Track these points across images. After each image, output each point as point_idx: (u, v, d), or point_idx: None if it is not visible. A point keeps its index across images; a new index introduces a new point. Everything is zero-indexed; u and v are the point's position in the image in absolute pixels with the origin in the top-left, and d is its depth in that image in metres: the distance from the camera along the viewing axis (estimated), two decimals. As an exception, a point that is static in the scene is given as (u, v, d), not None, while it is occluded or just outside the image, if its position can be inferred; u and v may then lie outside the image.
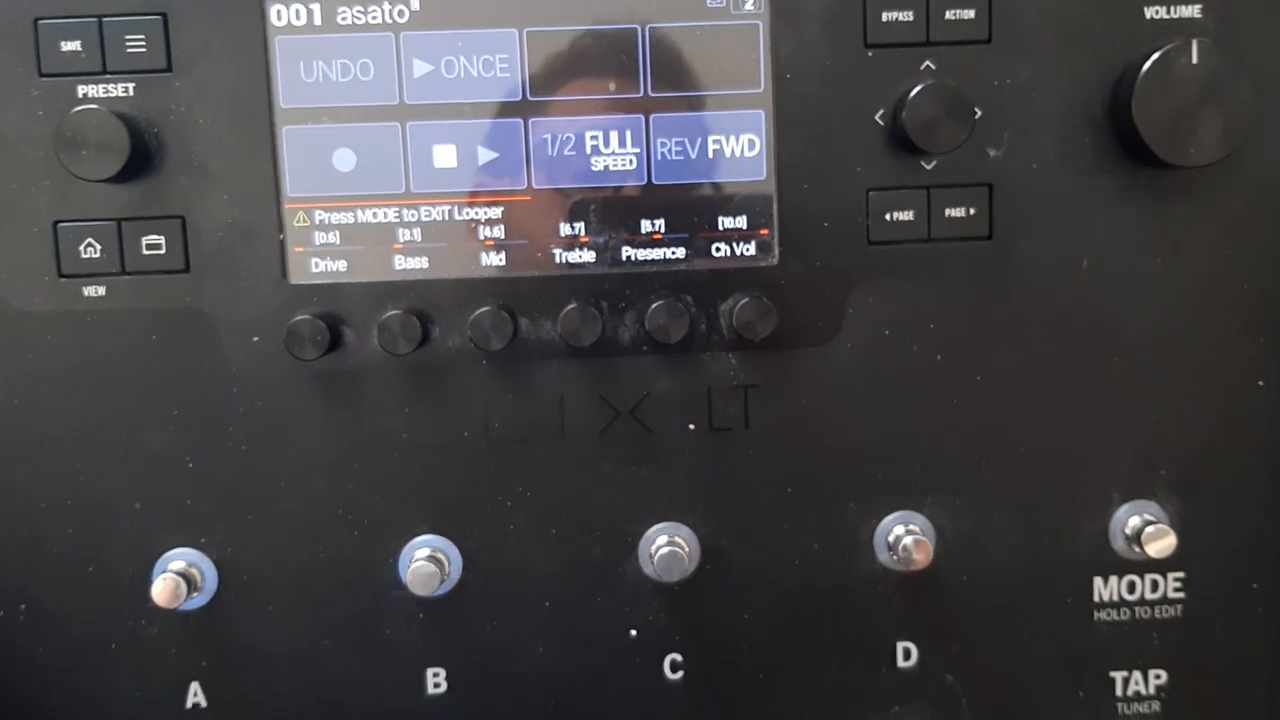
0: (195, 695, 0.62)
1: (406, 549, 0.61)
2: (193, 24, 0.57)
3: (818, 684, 0.63)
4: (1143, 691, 0.64)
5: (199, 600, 0.61)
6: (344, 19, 0.58)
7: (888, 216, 0.59)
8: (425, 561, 0.60)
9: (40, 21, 0.57)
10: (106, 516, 0.60)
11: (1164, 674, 0.63)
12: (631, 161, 0.59)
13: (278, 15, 0.58)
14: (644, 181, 0.59)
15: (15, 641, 0.61)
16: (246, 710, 0.62)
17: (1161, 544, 0.60)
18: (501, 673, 0.62)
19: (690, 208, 0.59)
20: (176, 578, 0.59)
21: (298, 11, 0.58)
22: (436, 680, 0.62)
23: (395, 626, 0.62)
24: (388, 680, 0.62)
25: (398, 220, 0.59)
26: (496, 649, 0.62)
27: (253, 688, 0.62)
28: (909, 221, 0.60)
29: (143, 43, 0.57)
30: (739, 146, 0.59)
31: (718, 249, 0.60)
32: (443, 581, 0.60)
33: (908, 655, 0.63)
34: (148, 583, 0.60)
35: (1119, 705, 0.64)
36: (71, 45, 0.57)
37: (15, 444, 0.60)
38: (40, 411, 0.60)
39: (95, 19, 0.57)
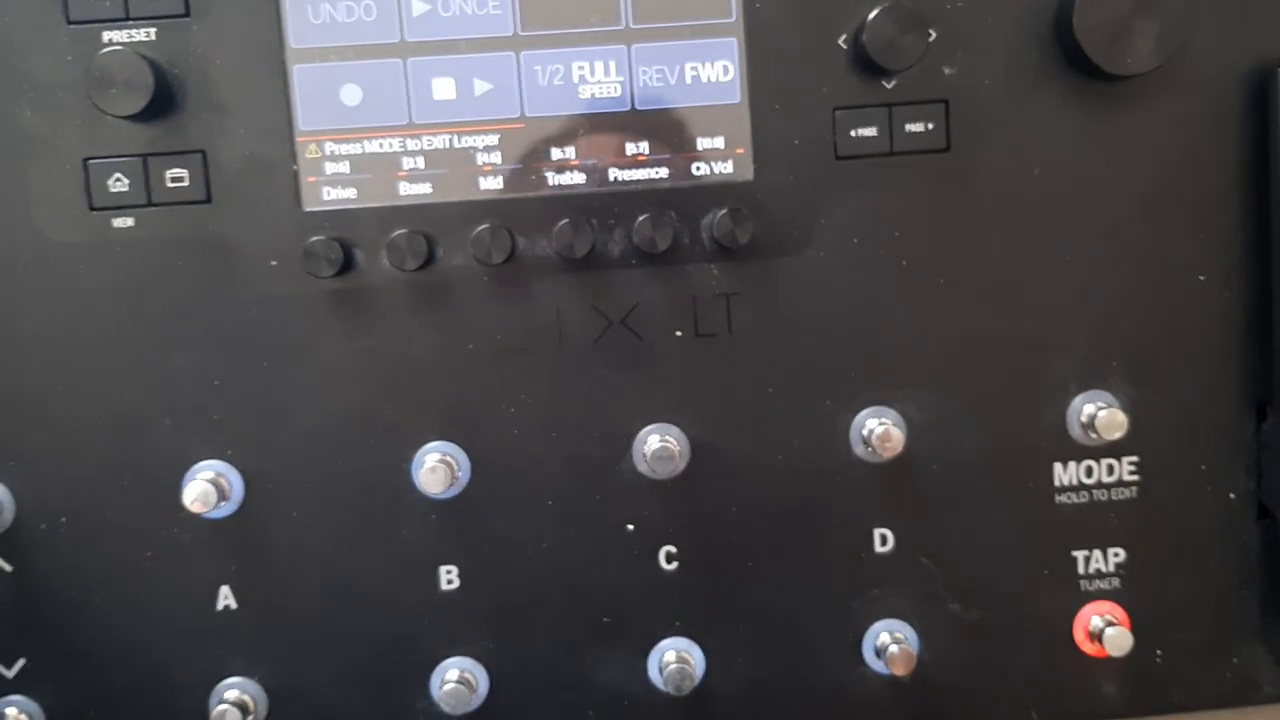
0: (226, 598, 0.66)
1: (418, 454, 0.65)
2: None
3: (802, 571, 0.68)
4: (1103, 569, 0.68)
5: (227, 508, 0.65)
6: (347, -36, 0.63)
7: (853, 133, 0.64)
8: (436, 465, 0.65)
9: None
10: (139, 432, 0.65)
11: (1122, 552, 0.68)
12: (616, 89, 0.64)
13: (286, -38, 0.63)
14: (628, 107, 0.64)
15: (58, 552, 0.65)
16: (273, 610, 0.67)
17: (1115, 427, 0.65)
18: (509, 568, 0.67)
19: (671, 130, 0.64)
20: (208, 483, 0.64)
21: (304, -42, 0.63)
22: (449, 577, 0.67)
23: (410, 528, 0.66)
24: (404, 578, 0.67)
25: (402, 149, 0.64)
26: (504, 546, 0.67)
27: (279, 589, 0.66)
28: (873, 137, 0.64)
29: None
30: (714, 72, 0.64)
31: (697, 168, 0.65)
32: (452, 484, 0.65)
33: (884, 541, 0.68)
34: (180, 493, 0.64)
35: (1081, 582, 0.68)
36: None
37: (53, 366, 0.64)
38: (75, 336, 0.64)
39: None
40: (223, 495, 0.64)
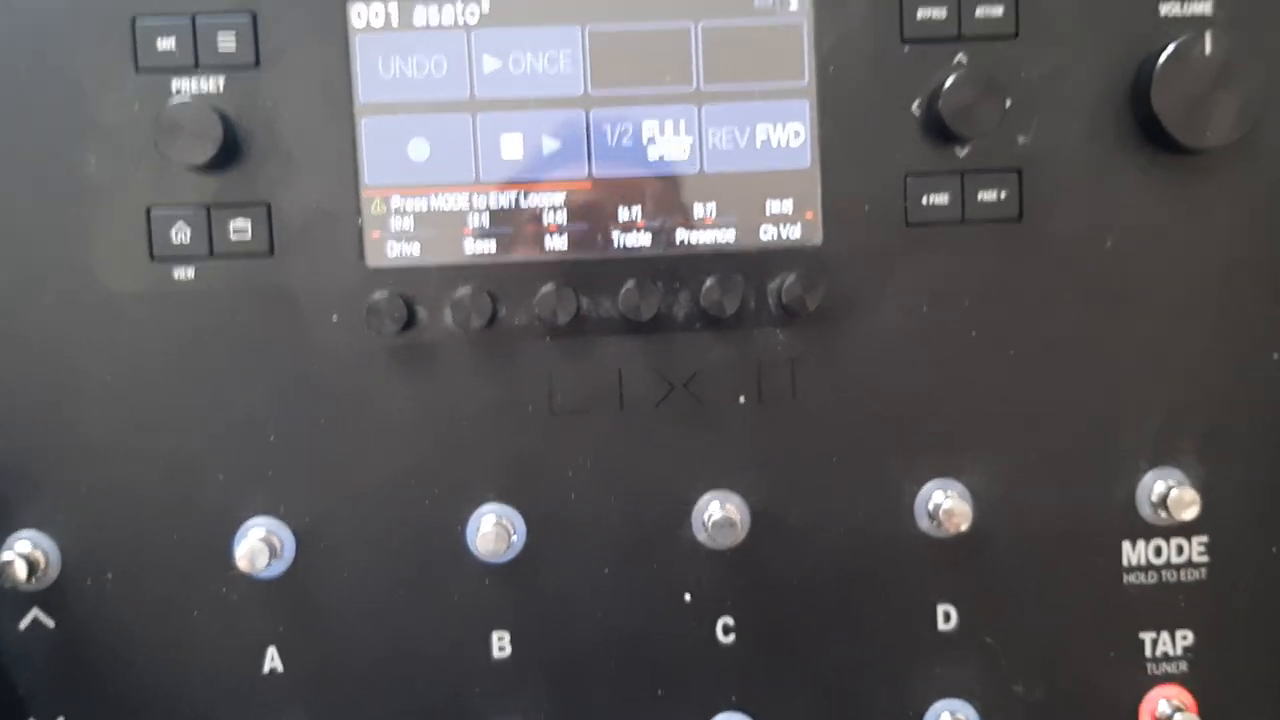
0: (272, 659, 0.65)
1: (474, 516, 0.64)
2: (280, 23, 0.62)
3: (863, 646, 0.66)
4: (1170, 652, 0.67)
5: (278, 567, 0.64)
6: (419, 19, 0.62)
7: (924, 200, 0.64)
8: (491, 529, 0.63)
9: (138, 20, 0.61)
10: (191, 486, 0.64)
11: (1190, 635, 0.67)
12: (685, 150, 0.63)
13: (358, 16, 0.62)
14: (696, 169, 0.64)
15: (102, 609, 0.64)
16: (320, 673, 0.65)
17: (1187, 506, 0.64)
18: (563, 636, 0.65)
19: (740, 193, 0.64)
20: (260, 541, 0.62)
21: (376, 12, 0.62)
22: (501, 644, 0.65)
23: (463, 592, 0.65)
24: (455, 645, 0.65)
25: (468, 207, 0.63)
26: (558, 613, 0.65)
27: (327, 652, 0.65)
28: (944, 204, 0.64)
29: (233, 40, 0.61)
30: (785, 135, 0.64)
31: (766, 231, 0.64)
32: (508, 548, 0.64)
33: (948, 618, 0.66)
34: (230, 551, 0.63)
35: (1149, 665, 0.67)
36: (166, 43, 0.61)
37: (106, 419, 0.63)
38: (129, 387, 0.63)
39: (189, 18, 0.61)
40: (274, 553, 0.63)
